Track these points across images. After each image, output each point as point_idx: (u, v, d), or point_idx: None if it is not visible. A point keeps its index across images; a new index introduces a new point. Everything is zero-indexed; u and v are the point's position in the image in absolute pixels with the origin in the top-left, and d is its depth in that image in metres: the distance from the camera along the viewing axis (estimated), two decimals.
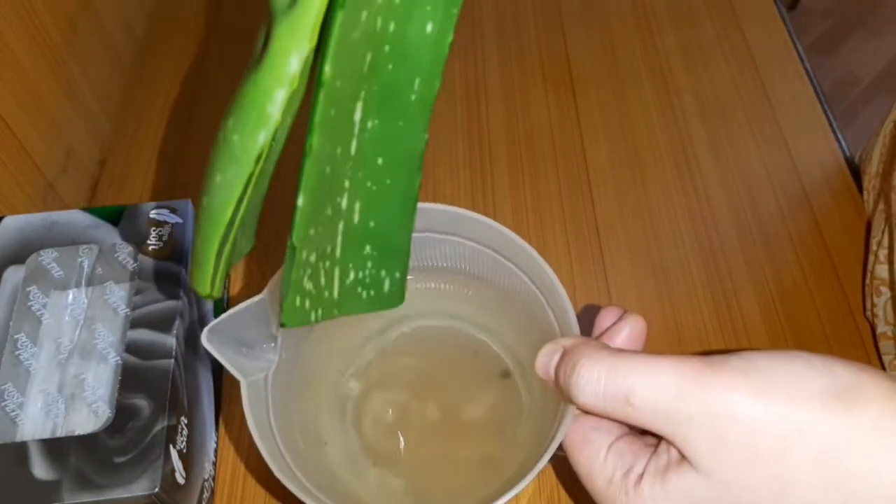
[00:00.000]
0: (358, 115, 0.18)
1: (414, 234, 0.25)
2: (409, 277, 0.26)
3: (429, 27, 0.18)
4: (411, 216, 0.23)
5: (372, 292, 0.24)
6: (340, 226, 0.21)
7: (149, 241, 0.38)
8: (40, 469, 0.31)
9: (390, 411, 0.34)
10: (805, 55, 0.58)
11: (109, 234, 0.39)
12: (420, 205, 0.24)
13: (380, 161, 0.20)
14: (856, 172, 0.51)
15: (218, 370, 0.42)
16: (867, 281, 0.44)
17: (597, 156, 0.52)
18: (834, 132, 0.53)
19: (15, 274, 0.38)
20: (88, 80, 0.54)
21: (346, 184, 0.20)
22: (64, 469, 0.31)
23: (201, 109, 0.56)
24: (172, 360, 0.34)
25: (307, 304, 0.23)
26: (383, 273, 0.24)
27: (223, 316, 0.26)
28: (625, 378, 0.23)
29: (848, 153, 0.53)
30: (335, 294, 0.23)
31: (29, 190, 0.46)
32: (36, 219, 0.39)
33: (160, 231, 0.39)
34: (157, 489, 0.31)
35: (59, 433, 0.36)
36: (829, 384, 0.21)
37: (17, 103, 0.45)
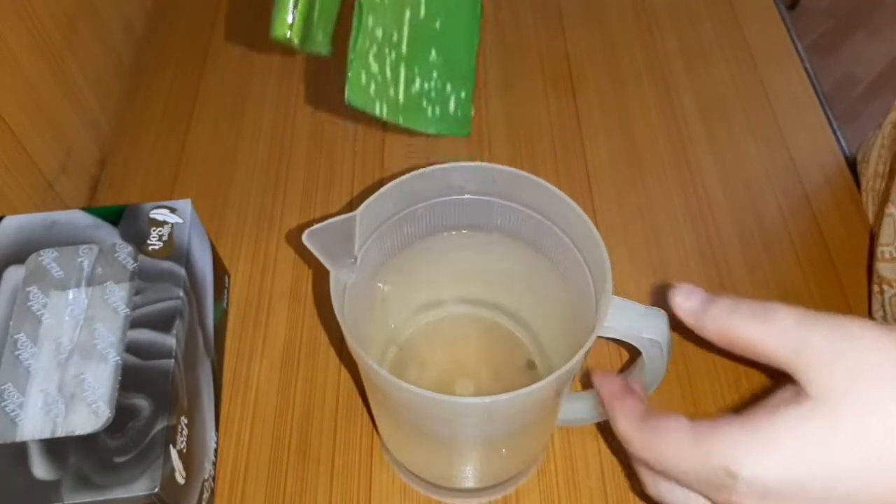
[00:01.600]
0: None
1: (465, 197, 0.27)
2: (453, 233, 0.27)
3: None
4: (475, 30, 0.24)
5: (437, 109, 0.26)
6: (407, 14, 0.23)
7: (149, 241, 0.38)
8: (40, 469, 0.31)
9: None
10: (805, 55, 0.58)
11: (109, 234, 0.39)
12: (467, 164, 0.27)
13: None
14: (856, 172, 0.51)
15: (218, 370, 0.42)
16: (874, 279, 0.44)
17: (597, 155, 0.52)
18: (834, 132, 0.53)
19: (15, 274, 0.38)
20: (88, 80, 0.54)
21: None
22: (64, 469, 0.31)
23: (201, 109, 0.56)
24: (172, 360, 0.34)
25: (372, 88, 0.25)
26: (448, 88, 0.26)
27: (320, 224, 0.29)
28: (768, 310, 0.26)
29: (848, 153, 0.53)
30: (401, 96, 0.25)
31: (29, 190, 0.46)
32: (36, 219, 0.39)
33: (160, 231, 0.39)
34: (157, 489, 0.31)
35: (59, 433, 0.36)
36: None
37: (17, 103, 0.45)
